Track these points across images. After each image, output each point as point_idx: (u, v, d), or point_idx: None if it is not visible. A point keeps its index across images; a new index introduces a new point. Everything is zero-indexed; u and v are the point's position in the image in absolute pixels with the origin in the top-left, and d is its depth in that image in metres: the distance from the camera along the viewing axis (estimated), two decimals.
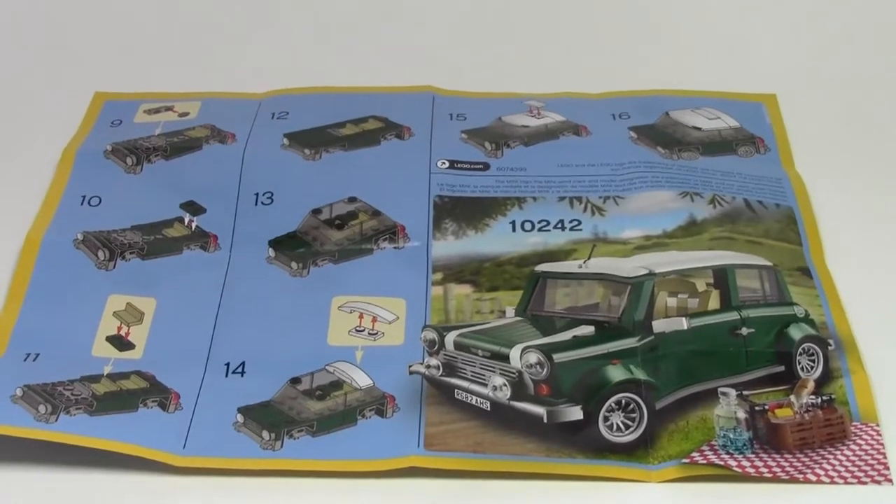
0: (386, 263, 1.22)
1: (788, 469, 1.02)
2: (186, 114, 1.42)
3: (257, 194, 1.29)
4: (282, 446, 1.06)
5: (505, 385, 1.06)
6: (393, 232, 1.25)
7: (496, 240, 1.24)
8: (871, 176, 1.33)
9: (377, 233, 1.25)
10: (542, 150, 1.35)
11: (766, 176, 1.31)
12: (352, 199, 1.29)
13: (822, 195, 1.30)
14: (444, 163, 1.33)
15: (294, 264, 1.23)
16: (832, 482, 1.01)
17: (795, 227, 1.25)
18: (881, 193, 1.31)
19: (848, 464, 1.02)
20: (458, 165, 1.33)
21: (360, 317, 1.17)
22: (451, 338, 1.12)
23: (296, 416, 1.09)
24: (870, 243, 1.25)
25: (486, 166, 1.33)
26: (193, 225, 1.27)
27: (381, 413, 1.09)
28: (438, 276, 1.20)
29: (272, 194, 1.29)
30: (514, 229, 1.24)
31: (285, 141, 1.35)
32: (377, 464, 1.04)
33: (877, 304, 1.17)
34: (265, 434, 1.07)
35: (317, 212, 1.27)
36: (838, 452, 1.03)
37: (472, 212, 1.26)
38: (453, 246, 1.23)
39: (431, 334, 1.13)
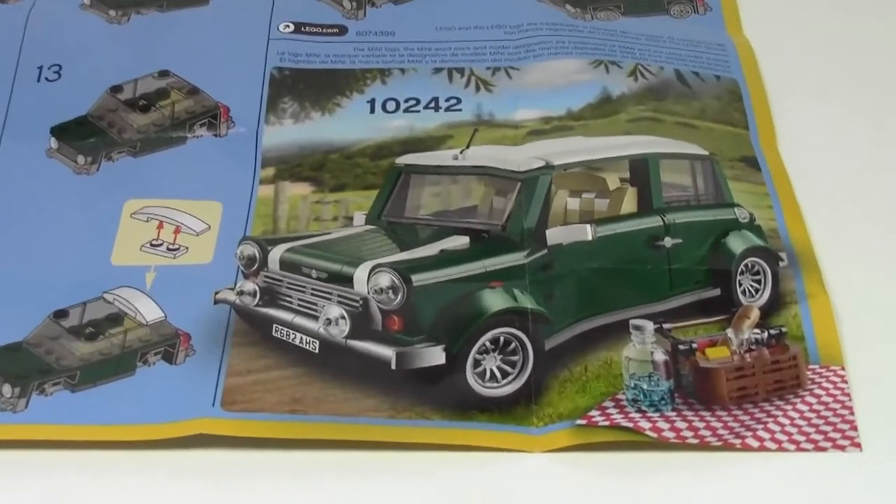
0: (201, 156, 1.08)
1: (722, 432, 0.87)
2: None
3: (41, 67, 1.14)
4: (26, 406, 0.90)
5: (343, 318, 0.92)
6: (213, 115, 1.10)
7: (348, 124, 1.10)
8: (835, 43, 1.20)
9: (193, 116, 1.10)
10: (416, 8, 1.20)
11: (705, 41, 1.17)
12: (163, 74, 1.13)
13: (776, 65, 1.17)
14: (287, 26, 1.17)
15: (81, 158, 1.07)
16: (780, 448, 0.86)
17: (741, 105, 1.12)
18: (847, 64, 1.18)
19: (802, 423, 0.88)
20: (307, 29, 1.17)
21: (160, 226, 1.02)
22: (276, 253, 0.98)
23: (54, 362, 0.92)
24: (834, 125, 1.11)
25: (343, 30, 1.18)
26: None
27: (169, 358, 0.93)
28: (269, 171, 1.06)
29: (60, 68, 1.13)
30: (372, 110, 1.10)
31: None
32: (153, 430, 0.88)
33: (844, 206, 1.04)
34: (6, 388, 0.90)
35: (116, 90, 1.12)
36: (790, 407, 0.89)
37: (320, 88, 1.12)
38: (291, 132, 1.09)
39: (251, 249, 0.99)
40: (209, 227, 1.02)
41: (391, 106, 1.11)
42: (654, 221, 1.00)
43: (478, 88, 1.12)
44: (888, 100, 1.14)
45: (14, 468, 0.86)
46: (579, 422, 0.88)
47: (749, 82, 1.14)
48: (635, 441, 0.87)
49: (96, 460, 0.87)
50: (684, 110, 1.11)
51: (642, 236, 0.99)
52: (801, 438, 0.87)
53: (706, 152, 1.06)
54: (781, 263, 0.98)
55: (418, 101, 1.11)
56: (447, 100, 1.11)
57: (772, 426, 0.88)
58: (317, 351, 0.93)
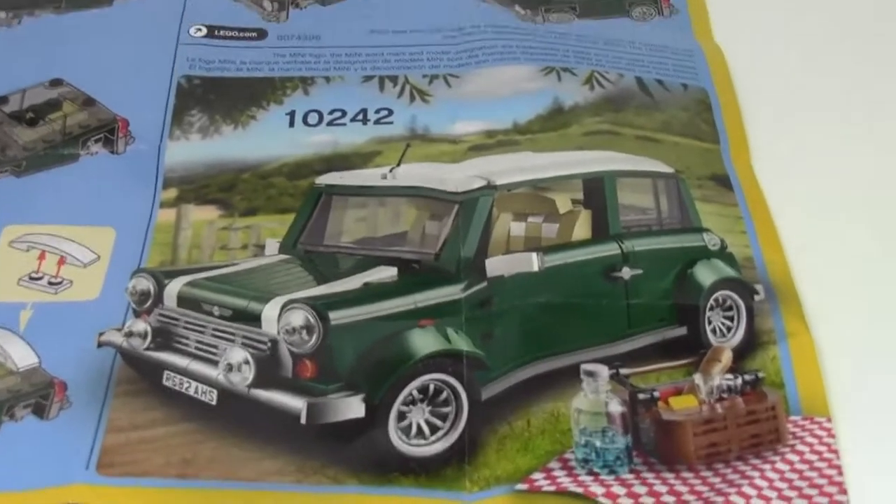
0: (95, 176, 1.02)
1: (688, 497, 0.81)
2: None
3: None
4: None
5: (247, 362, 0.85)
6: (110, 130, 1.05)
7: (264, 139, 1.05)
8: (814, 49, 1.17)
9: (87, 131, 1.05)
10: (345, 9, 1.17)
11: (671, 46, 1.14)
12: (55, 83, 1.09)
13: (749, 74, 1.14)
14: (199, 29, 1.13)
15: None
16: None
17: (710, 117, 1.09)
18: (829, 72, 1.15)
19: (783, 486, 0.82)
20: (221, 33, 1.13)
21: (41, 257, 0.96)
22: (174, 287, 0.92)
23: None
24: (815, 139, 1.08)
25: (262, 34, 1.14)
26: None
27: (40, 411, 0.86)
28: (171, 193, 1.01)
29: None
30: (292, 123, 1.06)
31: None
32: (17, 499, 0.80)
33: (828, 231, 1.01)
34: None
35: (1, 101, 1.08)
36: (768, 467, 0.84)
37: (233, 98, 1.08)
38: (198, 149, 1.05)
39: (144, 283, 0.93)
40: (98, 257, 0.97)
41: (313, 118, 1.07)
42: (610, 249, 0.96)
43: (412, 98, 1.09)
44: (874, 110, 1.11)
45: None
46: (519, 486, 0.83)
47: (720, 92, 1.11)
48: None
49: None
50: (646, 122, 1.08)
51: (597, 266, 0.96)
52: None
53: (671, 170, 1.03)
54: (757, 297, 0.95)
55: (344, 113, 1.07)
56: (377, 111, 1.07)
57: (747, 490, 0.82)
58: (214, 402, 0.87)
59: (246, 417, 0.85)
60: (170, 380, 0.88)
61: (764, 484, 0.82)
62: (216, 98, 1.08)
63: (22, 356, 0.88)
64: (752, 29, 1.18)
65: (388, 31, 1.13)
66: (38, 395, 0.86)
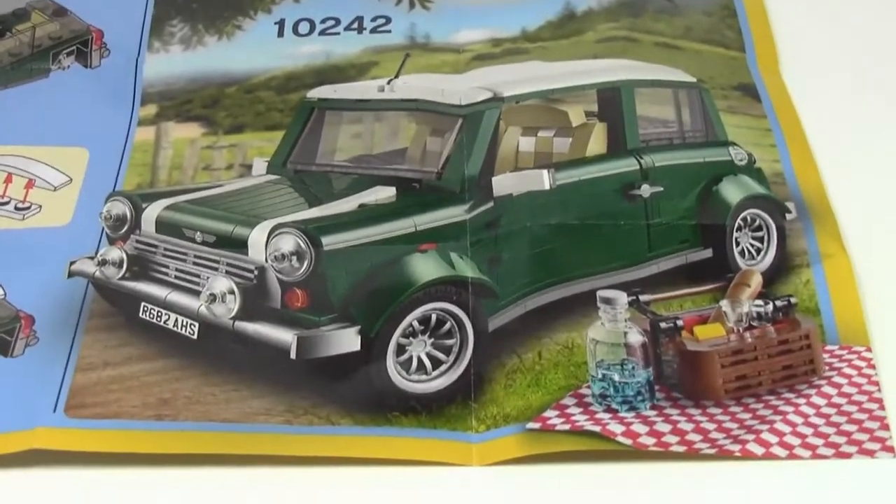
0: (67, 92, 1.00)
1: (716, 435, 0.78)
2: None
3: None
4: None
5: (231, 292, 0.82)
6: (84, 42, 1.03)
7: (251, 50, 1.03)
8: None
9: (58, 43, 1.03)
10: None
11: None
12: None
13: None
14: None
15: None
16: (791, 455, 0.77)
17: (735, 22, 1.06)
18: None
19: (819, 421, 0.79)
20: None
21: (7, 180, 0.93)
22: (152, 212, 0.89)
23: None
24: (848, 45, 1.04)
25: None
26: None
27: (3, 349, 0.82)
28: (150, 110, 0.99)
29: None
30: (281, 33, 1.04)
31: None
32: None
33: (864, 143, 0.96)
34: None
35: None
36: (803, 401, 0.81)
37: (217, 7, 1.06)
38: (180, 61, 1.02)
39: (120, 206, 0.90)
40: (70, 179, 0.94)
41: (304, 28, 1.05)
42: (628, 165, 0.93)
43: (412, 5, 1.07)
44: None
45: None
46: (531, 425, 0.79)
47: None
48: (603, 450, 0.78)
49: None
50: (666, 28, 1.06)
51: (614, 184, 0.93)
52: (818, 442, 0.78)
53: (693, 79, 1.01)
54: (789, 216, 0.92)
55: (338, 22, 1.05)
56: (373, 19, 1.05)
57: (780, 426, 0.79)
58: (195, 336, 0.84)
59: (230, 353, 0.83)
60: (147, 312, 0.85)
61: (798, 420, 0.79)
62: (199, 6, 1.06)
63: None
64: None
65: None
66: (2, 330, 0.84)
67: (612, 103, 0.96)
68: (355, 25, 1.04)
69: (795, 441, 0.78)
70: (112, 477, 0.76)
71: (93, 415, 0.78)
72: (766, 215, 0.93)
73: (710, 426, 0.78)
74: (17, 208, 0.91)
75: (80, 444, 0.76)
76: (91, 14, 1.03)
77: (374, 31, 1.04)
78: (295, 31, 1.04)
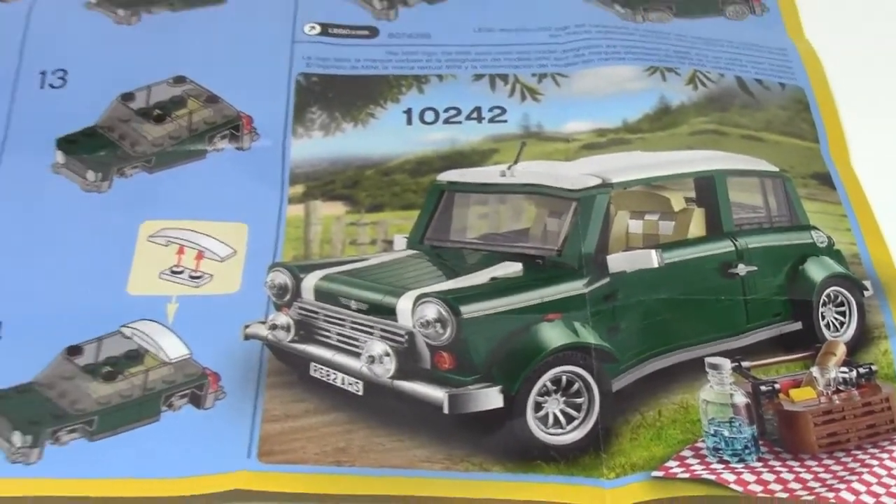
0: (223, 172, 1.03)
1: (813, 484, 0.82)
2: None
3: (44, 73, 1.09)
4: (40, 457, 0.84)
5: (388, 355, 0.87)
6: (235, 126, 1.05)
7: (384, 136, 1.05)
8: None
9: (212, 127, 1.05)
10: (453, 8, 1.16)
11: (766, 45, 1.14)
12: (178, 80, 1.09)
13: (842, 71, 1.12)
14: (313, 27, 1.13)
15: (91, 174, 1.02)
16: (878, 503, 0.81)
17: (808, 116, 1.08)
18: None
19: None
20: (335, 31, 1.13)
21: (180, 252, 0.97)
22: (310, 282, 0.93)
23: (68, 406, 0.87)
24: None
25: (374, 32, 1.13)
26: None
27: (196, 401, 0.87)
28: (298, 189, 1.02)
29: (66, 73, 1.09)
30: (409, 121, 1.06)
31: None
32: (184, 485, 0.83)
33: None
34: (16, 437, 0.85)
35: (127, 98, 1.07)
36: (886, 456, 0.85)
37: (351, 96, 1.08)
38: (321, 145, 1.05)
39: (282, 277, 0.94)
40: (234, 251, 0.97)
41: (430, 116, 1.07)
42: (725, 246, 0.97)
43: (523, 97, 1.08)
44: None
45: None
46: (655, 473, 0.84)
47: (816, 90, 1.10)
48: (718, 496, 0.82)
49: None
50: (749, 122, 1.08)
51: (713, 263, 0.96)
52: None
53: (776, 169, 1.03)
54: (867, 293, 0.95)
55: (459, 111, 1.07)
56: (490, 109, 1.07)
57: (867, 477, 0.83)
58: (360, 392, 0.88)
59: (391, 407, 0.87)
60: (317, 371, 0.90)
61: (883, 472, 0.83)
62: (334, 96, 1.08)
63: (174, 348, 0.89)
64: (841, 24, 1.17)
65: (495, 29, 1.13)
66: (193, 385, 0.88)
67: (708, 191, 0.98)
68: (475, 115, 1.06)
69: (881, 490, 0.81)
70: None
71: (282, 460, 0.83)
72: (846, 292, 0.95)
73: (808, 476, 0.83)
74: (191, 277, 0.95)
75: (273, 485, 0.82)
76: (240, 101, 1.06)
77: (491, 120, 1.06)
78: (421, 119, 1.06)
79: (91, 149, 1.04)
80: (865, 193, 1.02)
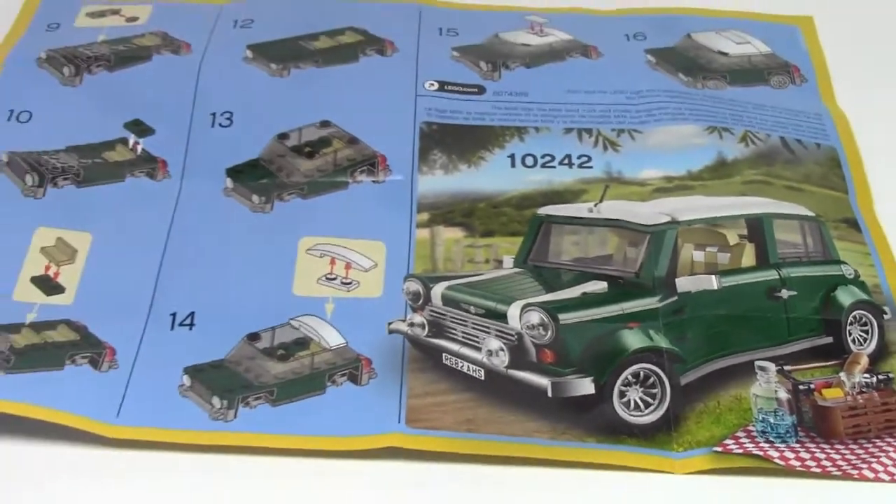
0: (363, 200, 1.12)
1: (840, 463, 0.92)
2: (135, 18, 1.31)
3: (214, 114, 1.18)
4: (235, 416, 0.96)
5: (502, 349, 0.97)
6: (372, 163, 1.14)
7: (493, 176, 1.14)
8: None
9: (354, 163, 1.14)
10: (546, 72, 1.25)
11: (804, 111, 1.22)
12: (325, 124, 1.18)
13: (868, 133, 1.19)
14: (432, 84, 1.23)
15: (256, 198, 1.12)
16: (893, 480, 0.91)
17: (840, 171, 1.15)
18: None
19: None
20: (449, 87, 1.23)
21: (332, 262, 1.07)
22: (438, 290, 1.03)
23: (253, 379, 0.98)
24: None
25: (482, 90, 1.23)
26: (139, 148, 1.16)
27: (354, 379, 0.98)
28: (424, 216, 1.10)
29: (231, 115, 1.18)
30: (513, 164, 1.14)
31: (248, 53, 1.25)
32: (349, 441, 0.94)
33: None
34: (216, 401, 0.97)
35: (283, 137, 1.16)
36: None
37: (464, 142, 1.16)
38: (442, 182, 1.14)
39: (415, 285, 1.04)
40: (376, 264, 1.06)
41: (530, 161, 1.15)
42: (771, 275, 1.04)
43: (606, 148, 1.16)
44: None
45: (226, 470, 0.93)
46: (715, 449, 0.93)
47: (846, 149, 1.17)
48: (765, 467, 0.92)
49: (298, 465, 0.93)
50: (791, 175, 1.14)
51: (762, 287, 1.03)
52: None
53: (813, 214, 1.09)
54: (886, 316, 1.02)
55: (553, 158, 1.15)
56: (579, 157, 1.15)
57: (884, 460, 0.92)
58: (482, 378, 0.97)
59: (507, 390, 0.96)
60: (448, 360, 0.99)
61: None
62: (451, 142, 1.15)
63: (333, 337, 1.00)
64: (866, 94, 1.24)
65: (581, 90, 1.21)
66: (350, 367, 0.98)
67: (758, 229, 1.05)
68: (566, 161, 1.14)
69: None
70: (435, 468, 0.93)
71: (424, 426, 0.94)
72: (870, 315, 1.02)
73: (837, 457, 0.92)
74: (342, 283, 1.04)
75: (419, 445, 0.93)
76: (376, 142, 1.15)
77: (580, 166, 1.13)
78: (523, 162, 1.14)
79: (255, 177, 1.13)
80: (886, 236, 1.09)
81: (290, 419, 0.95)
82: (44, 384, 0.97)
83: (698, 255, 1.05)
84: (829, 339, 1.02)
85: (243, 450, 0.94)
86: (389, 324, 1.02)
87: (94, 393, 0.97)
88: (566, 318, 0.97)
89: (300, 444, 0.94)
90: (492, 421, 0.95)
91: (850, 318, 1.02)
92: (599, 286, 1.01)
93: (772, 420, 0.94)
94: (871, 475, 0.91)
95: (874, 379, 0.96)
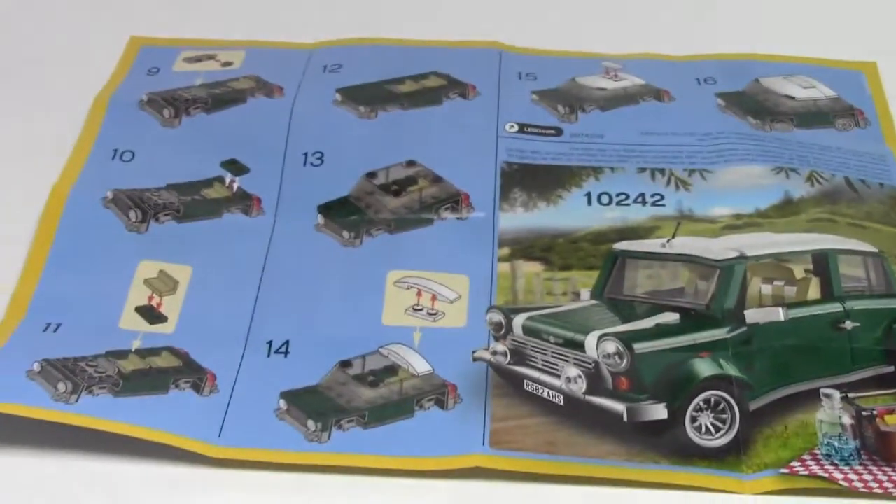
0: (447, 235, 1.16)
1: None
2: (230, 63, 1.38)
3: (306, 154, 1.23)
4: (329, 438, 1.01)
5: (580, 377, 1.00)
6: (456, 200, 1.18)
7: (570, 213, 1.18)
8: None
9: (438, 201, 1.19)
10: (620, 115, 1.29)
11: (868, 152, 1.25)
12: (410, 163, 1.23)
13: None
14: (512, 126, 1.27)
15: (346, 233, 1.17)
16: None
17: None
18: None
19: None
20: (529, 129, 1.27)
21: (419, 294, 1.11)
22: (519, 321, 1.06)
23: (345, 404, 1.03)
24: None
25: (559, 131, 1.28)
26: (235, 186, 1.21)
27: (441, 404, 1.03)
28: (505, 251, 1.14)
29: (322, 154, 1.23)
30: (589, 202, 1.19)
31: (338, 97, 1.31)
32: (437, 462, 0.98)
33: None
34: (311, 424, 1.01)
35: (371, 175, 1.21)
36: None
37: (543, 181, 1.21)
38: (522, 218, 1.18)
39: (498, 316, 1.08)
40: (460, 296, 1.11)
41: (605, 199, 1.18)
42: (835, 307, 1.06)
43: (677, 187, 1.19)
44: None
45: (320, 488, 0.98)
46: (783, 471, 0.96)
47: None
48: (830, 489, 0.96)
49: (388, 484, 0.98)
50: (855, 213, 1.16)
51: (826, 319, 1.06)
52: None
53: (875, 249, 1.11)
54: None
55: (627, 196, 1.19)
56: (652, 195, 1.19)
57: None
58: (561, 403, 1.01)
59: (585, 415, 0.99)
60: (529, 386, 1.02)
61: None
62: (531, 181, 1.19)
63: (420, 365, 1.04)
64: None
65: (654, 132, 1.25)
66: (437, 392, 1.01)
67: (823, 264, 1.07)
68: (640, 199, 1.18)
69: None
70: (517, 488, 0.97)
71: (507, 448, 0.97)
72: None
73: None
74: (428, 313, 1.08)
75: (502, 465, 0.97)
76: (459, 181, 1.20)
77: (653, 203, 1.17)
78: (599, 201, 1.17)
79: (345, 214, 1.17)
80: None
81: (380, 441, 0.99)
82: (151, 407, 1.02)
83: (766, 289, 1.07)
84: (891, 369, 1.04)
85: (336, 469, 0.98)
86: (473, 352, 1.05)
87: (198, 415, 1.01)
88: (640, 347, 1.00)
89: (390, 465, 0.98)
90: (570, 444, 0.99)
91: None
92: (672, 318, 1.04)
93: (836, 444, 0.97)
94: None
95: None
